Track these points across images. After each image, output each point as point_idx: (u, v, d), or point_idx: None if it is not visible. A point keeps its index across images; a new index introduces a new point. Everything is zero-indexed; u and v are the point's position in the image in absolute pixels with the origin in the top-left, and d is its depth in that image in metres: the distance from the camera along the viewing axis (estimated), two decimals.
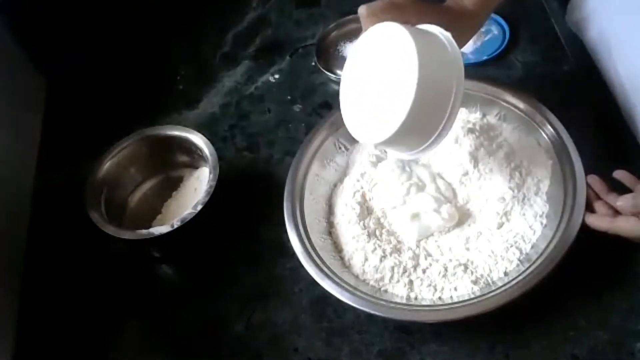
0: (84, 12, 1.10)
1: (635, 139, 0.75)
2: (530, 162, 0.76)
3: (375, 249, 0.73)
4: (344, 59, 0.96)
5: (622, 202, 0.65)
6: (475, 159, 0.78)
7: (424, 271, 0.71)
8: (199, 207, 0.76)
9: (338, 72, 0.94)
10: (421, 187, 0.77)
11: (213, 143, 0.83)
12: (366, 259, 0.73)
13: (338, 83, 0.92)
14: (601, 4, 0.77)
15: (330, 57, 0.97)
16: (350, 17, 0.99)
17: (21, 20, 1.03)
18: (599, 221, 0.67)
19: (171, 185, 0.87)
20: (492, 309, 0.65)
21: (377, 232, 0.75)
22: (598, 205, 0.69)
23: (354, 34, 0.98)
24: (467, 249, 0.73)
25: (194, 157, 0.86)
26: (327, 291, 0.70)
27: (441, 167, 0.80)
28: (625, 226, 0.65)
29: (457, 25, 0.64)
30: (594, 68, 0.81)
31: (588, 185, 0.70)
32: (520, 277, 0.66)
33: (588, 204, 0.69)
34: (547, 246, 0.67)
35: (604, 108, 0.79)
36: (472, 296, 0.67)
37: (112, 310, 0.80)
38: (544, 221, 0.71)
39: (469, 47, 0.90)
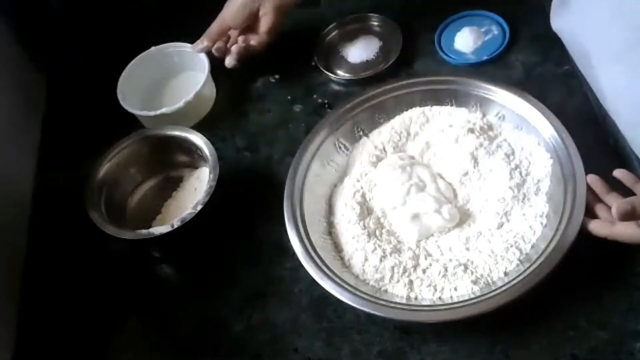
0: (84, 12, 1.10)
1: None
2: (530, 162, 0.76)
3: (375, 249, 0.73)
4: (344, 59, 0.96)
5: (615, 209, 0.64)
6: (475, 159, 0.78)
7: (424, 271, 0.71)
8: (199, 207, 0.76)
9: (338, 72, 0.94)
10: (421, 188, 0.77)
11: (213, 143, 0.83)
12: (366, 259, 0.73)
13: (338, 83, 0.93)
14: (576, 11, 0.77)
15: (330, 57, 0.97)
16: (351, 17, 0.99)
17: (22, 20, 1.03)
18: (599, 228, 0.66)
19: (171, 185, 0.87)
20: (492, 309, 0.65)
21: (377, 232, 0.75)
22: (599, 209, 0.69)
23: (354, 34, 0.98)
24: (467, 249, 0.73)
25: (194, 157, 0.86)
26: (327, 291, 0.70)
27: (441, 167, 0.80)
28: (624, 233, 0.65)
29: None
30: None
31: (588, 187, 0.70)
32: (520, 277, 0.66)
33: (588, 208, 0.68)
34: (547, 246, 0.67)
35: (603, 108, 0.79)
36: (472, 296, 0.67)
37: (112, 310, 0.80)
38: (544, 221, 0.71)
39: (469, 47, 0.90)
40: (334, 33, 0.99)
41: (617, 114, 0.73)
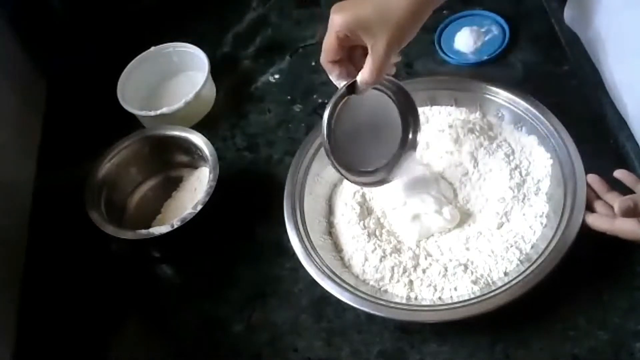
0: (84, 12, 1.10)
1: (634, 138, 0.75)
2: (530, 162, 0.76)
3: (375, 249, 0.73)
4: None
5: (617, 206, 0.65)
6: (475, 159, 0.78)
7: (424, 271, 0.71)
8: (199, 207, 0.76)
9: None
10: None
11: (213, 143, 0.83)
12: (366, 259, 0.73)
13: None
14: (595, 2, 0.77)
15: None
16: None
17: (22, 20, 1.03)
18: (599, 221, 0.67)
19: (171, 185, 0.87)
20: (492, 309, 0.65)
21: (377, 232, 0.75)
22: (598, 205, 0.69)
23: None
24: (467, 249, 0.73)
25: (194, 157, 0.86)
26: (327, 291, 0.70)
27: (441, 167, 0.80)
28: (624, 228, 0.65)
29: None
30: (593, 67, 0.81)
31: (588, 185, 0.70)
32: (520, 277, 0.66)
33: (588, 204, 0.69)
34: (547, 246, 0.67)
35: (603, 108, 0.79)
36: (472, 296, 0.67)
37: (112, 310, 0.80)
38: (544, 221, 0.71)
39: (469, 47, 0.90)
40: None
41: (626, 104, 0.73)
